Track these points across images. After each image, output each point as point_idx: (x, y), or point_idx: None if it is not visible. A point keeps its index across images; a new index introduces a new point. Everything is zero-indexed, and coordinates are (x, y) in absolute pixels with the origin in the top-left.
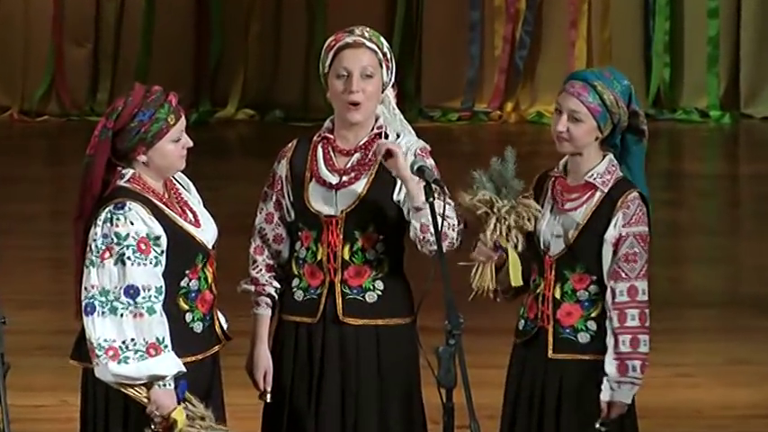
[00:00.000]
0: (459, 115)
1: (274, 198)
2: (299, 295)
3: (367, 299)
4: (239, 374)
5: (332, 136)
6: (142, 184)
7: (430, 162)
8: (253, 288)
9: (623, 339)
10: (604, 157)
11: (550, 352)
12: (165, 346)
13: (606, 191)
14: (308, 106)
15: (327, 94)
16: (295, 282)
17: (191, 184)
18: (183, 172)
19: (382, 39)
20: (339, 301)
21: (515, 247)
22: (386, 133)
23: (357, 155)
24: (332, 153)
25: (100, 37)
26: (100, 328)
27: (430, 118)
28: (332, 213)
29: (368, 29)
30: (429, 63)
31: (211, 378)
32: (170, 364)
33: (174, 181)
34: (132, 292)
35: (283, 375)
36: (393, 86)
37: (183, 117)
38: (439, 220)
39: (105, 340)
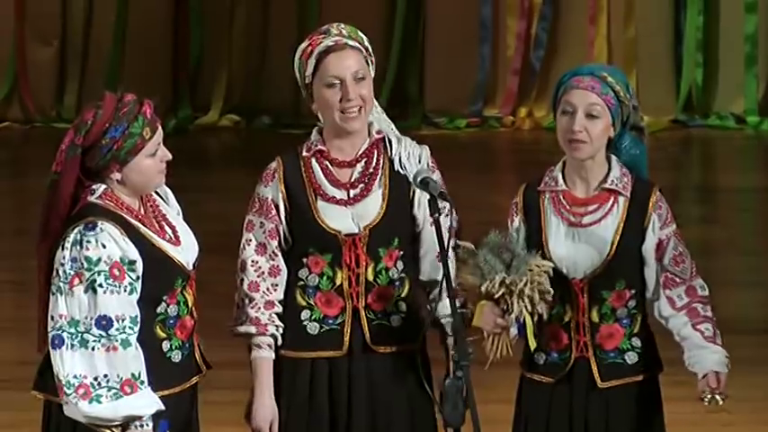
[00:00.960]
0: (467, 122)
1: (267, 226)
2: (313, 328)
3: (392, 323)
4: (215, 410)
5: (325, 148)
6: (115, 200)
7: (436, 176)
8: (254, 329)
9: (706, 327)
10: (609, 160)
11: (599, 382)
12: (142, 383)
13: (629, 194)
14: (300, 111)
15: (312, 105)
16: (305, 314)
17: (169, 192)
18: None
19: (360, 32)
20: (366, 328)
21: (540, 316)
22: (388, 138)
23: (360, 165)
24: (330, 167)
25: (67, 34)
26: (69, 363)
27: (435, 125)
28: (353, 231)
29: (342, 25)
30: (434, 63)
31: (190, 412)
32: (147, 402)
33: (152, 193)
34: (105, 323)
35: (295, 419)
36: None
37: (160, 128)
38: (445, 235)
39: (75, 377)
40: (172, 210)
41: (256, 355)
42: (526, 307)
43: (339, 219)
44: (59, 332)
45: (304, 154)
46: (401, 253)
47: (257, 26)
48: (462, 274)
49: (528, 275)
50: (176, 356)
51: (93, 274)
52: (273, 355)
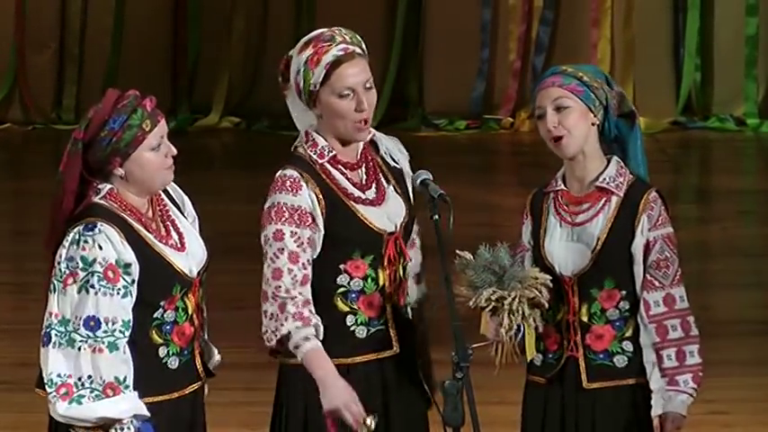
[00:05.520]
0: (466, 123)
1: (304, 235)
2: (361, 332)
3: (413, 319)
4: (215, 412)
5: (336, 153)
6: (120, 200)
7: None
8: (300, 323)
9: (668, 354)
10: (609, 160)
11: (585, 382)
12: (126, 387)
13: (622, 194)
14: None
15: (316, 111)
16: (350, 319)
17: (185, 198)
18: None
19: (357, 35)
20: (404, 326)
21: (536, 327)
22: (375, 137)
23: (363, 168)
24: (345, 170)
25: (65, 36)
26: (53, 362)
27: (435, 126)
28: (392, 230)
29: (344, 30)
30: (434, 65)
31: (192, 417)
32: (127, 407)
33: (164, 196)
34: (93, 324)
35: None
36: None
37: (163, 122)
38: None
39: (59, 375)
40: (187, 216)
41: (309, 346)
42: (516, 321)
43: (379, 218)
44: (48, 330)
45: (318, 160)
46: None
47: (256, 28)
48: (458, 285)
49: (518, 290)
50: (173, 363)
51: (88, 274)
52: (321, 345)
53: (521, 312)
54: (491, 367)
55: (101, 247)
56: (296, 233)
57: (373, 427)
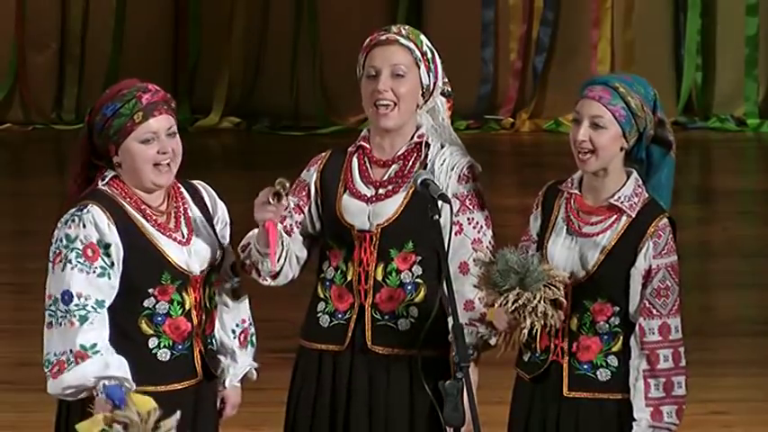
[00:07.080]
0: (467, 124)
1: (292, 202)
2: (324, 321)
3: (399, 326)
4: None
5: (368, 145)
6: (121, 188)
7: (469, 186)
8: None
9: (655, 383)
10: (629, 176)
11: (565, 390)
12: (96, 352)
13: (634, 215)
14: (299, 114)
15: (364, 102)
16: (320, 306)
17: (219, 203)
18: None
19: (422, 37)
20: (368, 327)
21: (554, 324)
22: (427, 142)
23: (395, 166)
24: (368, 164)
25: (66, 37)
26: (47, 343)
27: None
28: (365, 228)
29: (406, 27)
30: None
31: (194, 414)
32: (91, 369)
33: (186, 195)
34: (67, 297)
35: (302, 408)
36: (447, 96)
37: (161, 118)
38: (445, 237)
39: (54, 354)
40: (218, 222)
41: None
42: (539, 321)
43: (356, 214)
44: (45, 312)
45: (349, 150)
46: (419, 258)
47: (256, 28)
48: (479, 287)
49: (541, 291)
50: (164, 355)
51: (68, 251)
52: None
53: (543, 313)
54: (491, 367)
55: (84, 226)
56: (291, 202)
57: (282, 185)
